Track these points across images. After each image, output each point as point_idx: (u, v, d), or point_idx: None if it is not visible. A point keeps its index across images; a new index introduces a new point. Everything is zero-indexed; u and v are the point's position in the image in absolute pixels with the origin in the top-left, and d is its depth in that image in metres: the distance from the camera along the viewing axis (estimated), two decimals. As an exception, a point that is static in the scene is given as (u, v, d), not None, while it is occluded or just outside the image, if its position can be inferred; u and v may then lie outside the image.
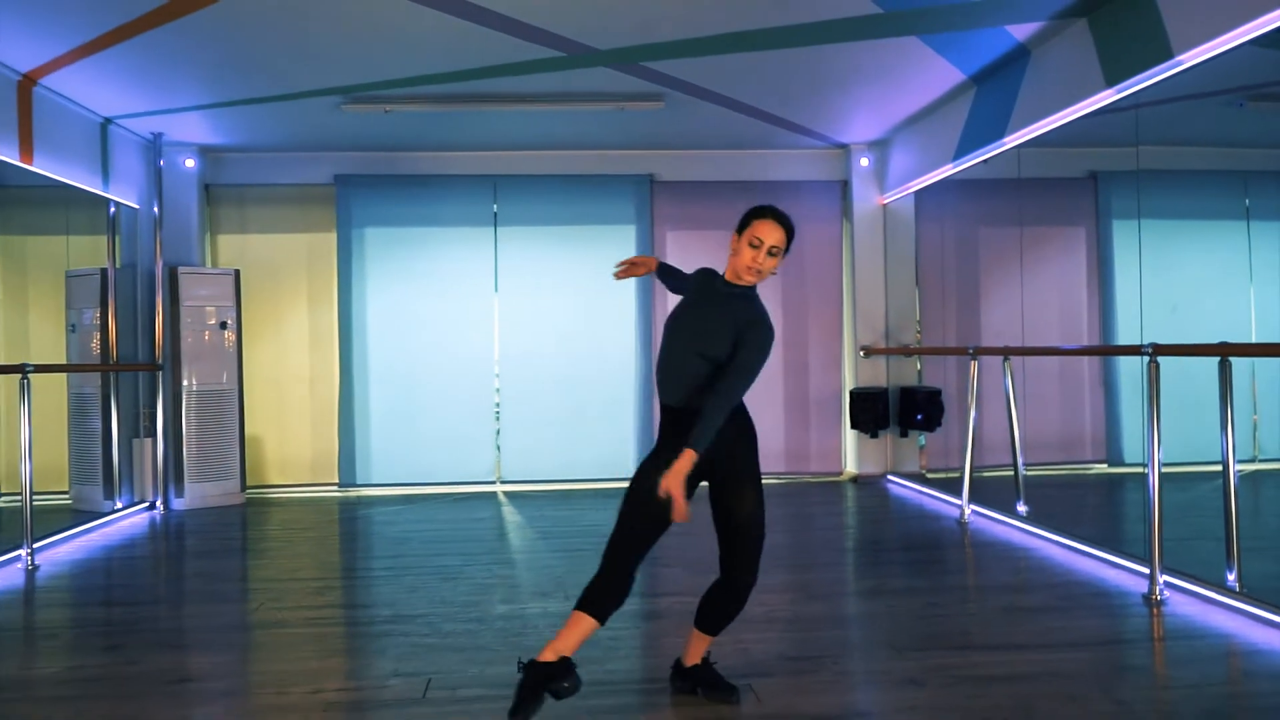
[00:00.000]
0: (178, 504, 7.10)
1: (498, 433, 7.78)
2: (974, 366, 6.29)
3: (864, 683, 3.24)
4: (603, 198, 7.89)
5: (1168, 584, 4.22)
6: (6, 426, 6.41)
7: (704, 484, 2.89)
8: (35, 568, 5.15)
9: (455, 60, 5.51)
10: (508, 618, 3.98)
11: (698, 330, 2.84)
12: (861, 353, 7.93)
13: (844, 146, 7.94)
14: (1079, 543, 5.11)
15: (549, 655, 2.64)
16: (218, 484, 7.22)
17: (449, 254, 7.68)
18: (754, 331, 2.80)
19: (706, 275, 3.05)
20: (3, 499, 6.48)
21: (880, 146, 7.88)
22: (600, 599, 2.70)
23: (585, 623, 2.68)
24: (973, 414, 6.31)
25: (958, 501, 6.31)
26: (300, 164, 7.64)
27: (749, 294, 2.90)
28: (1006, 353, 6.02)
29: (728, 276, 2.93)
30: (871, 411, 7.78)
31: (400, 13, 4.73)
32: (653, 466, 2.75)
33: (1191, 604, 4.04)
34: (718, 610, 2.95)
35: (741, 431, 2.89)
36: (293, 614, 4.15)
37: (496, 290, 7.78)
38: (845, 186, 8.07)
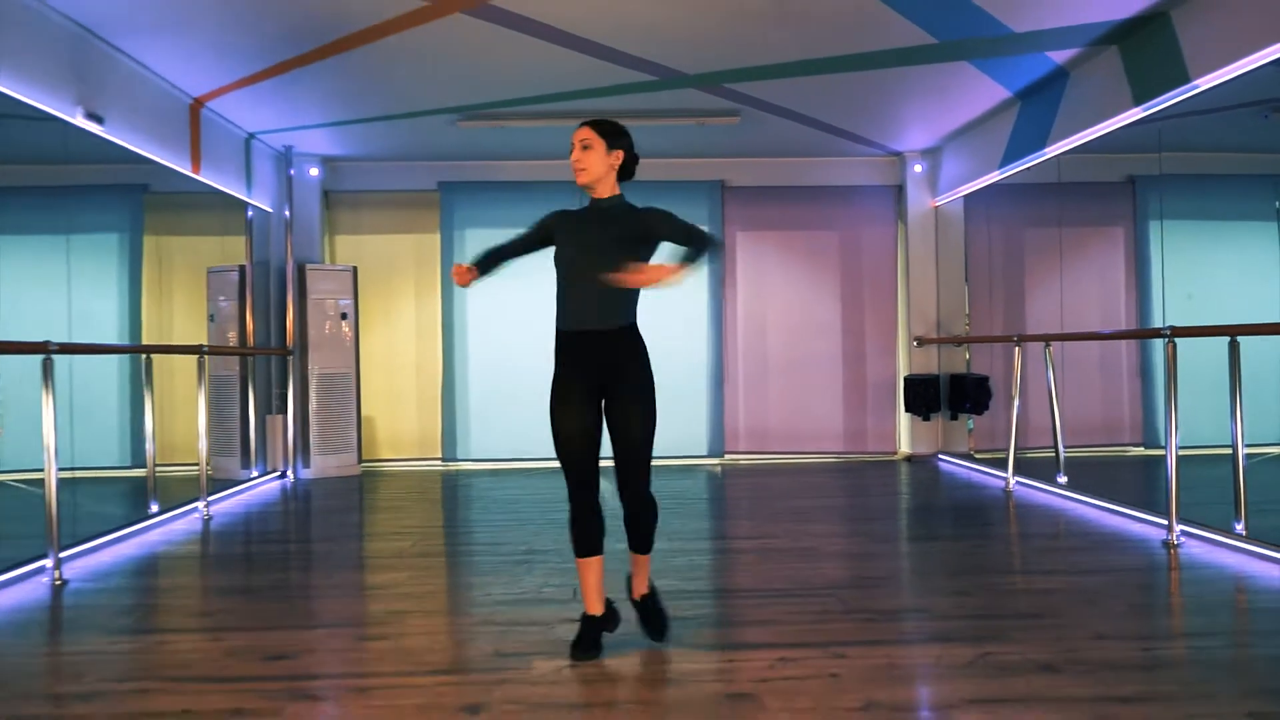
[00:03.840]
0: (304, 473, 8.04)
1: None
2: (1018, 352, 7.00)
3: (923, 592, 4.01)
4: (678, 202, 8.62)
5: (1184, 533, 4.93)
6: (175, 406, 7.37)
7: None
8: (210, 517, 6.09)
9: (561, 84, 6.35)
10: (621, 552, 4.81)
11: (601, 248, 3.08)
12: (915, 342, 8.66)
13: (898, 154, 8.68)
14: (1111, 504, 5.82)
15: (591, 610, 3.18)
16: (338, 456, 8.15)
17: (540, 253, 8.51)
18: (658, 213, 3.15)
19: (564, 213, 3.30)
20: (162, 469, 7.45)
21: (932, 154, 8.61)
22: (578, 539, 3.17)
23: (583, 564, 3.18)
24: (1017, 396, 7.02)
25: (1003, 474, 7.03)
26: (408, 172, 8.56)
27: (620, 201, 3.20)
28: (1047, 339, 6.72)
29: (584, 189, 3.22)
30: (924, 396, 8.51)
31: (519, 45, 5.56)
32: (563, 403, 3.12)
33: (1203, 547, 4.75)
34: (627, 528, 3.26)
35: (634, 353, 3.15)
36: (443, 548, 5.01)
37: (582, 285, 8.61)
38: (899, 191, 8.81)
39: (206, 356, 6.28)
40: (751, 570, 4.45)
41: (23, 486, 5.10)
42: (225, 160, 7.10)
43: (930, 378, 8.54)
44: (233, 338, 7.82)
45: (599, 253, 3.08)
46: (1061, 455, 6.65)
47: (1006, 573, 4.32)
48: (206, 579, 4.55)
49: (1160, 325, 5.28)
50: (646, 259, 3.13)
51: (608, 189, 3.20)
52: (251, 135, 7.57)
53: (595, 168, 3.14)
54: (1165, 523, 4.98)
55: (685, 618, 3.60)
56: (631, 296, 3.14)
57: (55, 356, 4.42)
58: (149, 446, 5.94)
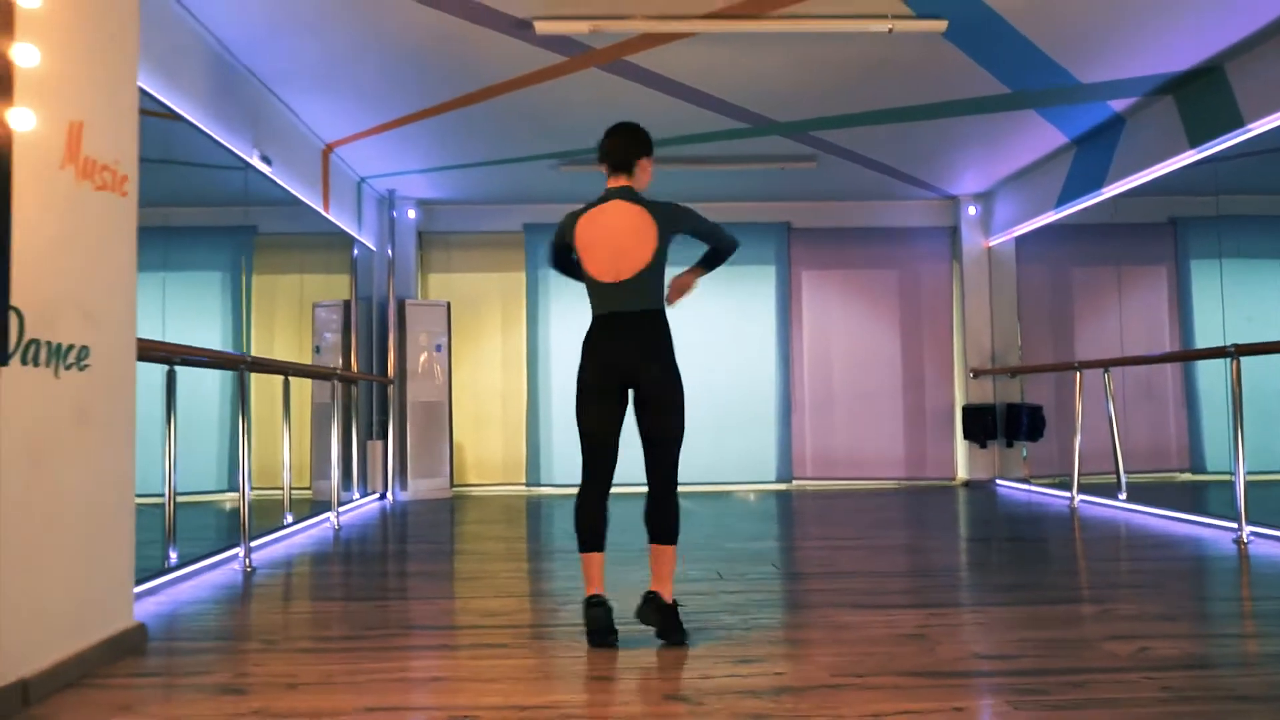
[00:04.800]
0: (401, 496, 8.55)
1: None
2: (1079, 377, 7.51)
3: (1038, 573, 4.50)
4: (747, 242, 9.26)
5: (1254, 534, 5.41)
6: (275, 433, 7.91)
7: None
8: (339, 528, 6.60)
9: (664, 129, 6.96)
10: (706, 556, 5.31)
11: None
12: (971, 374, 9.18)
13: (953, 198, 9.29)
14: (1177, 512, 6.29)
15: (597, 589, 3.27)
16: (432, 480, 8.67)
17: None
18: (678, 208, 3.37)
19: (573, 215, 3.46)
20: (258, 492, 7.96)
21: (985, 198, 9.21)
22: (581, 535, 3.35)
23: (586, 559, 3.32)
24: (1079, 418, 7.51)
25: (1065, 494, 7.50)
26: (496, 215, 9.20)
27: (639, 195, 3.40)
28: (1106, 364, 7.24)
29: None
30: (981, 424, 9.01)
31: (636, 95, 6.18)
32: (590, 399, 3.37)
33: (1274, 545, 5.22)
34: (648, 519, 3.37)
35: (661, 337, 3.33)
36: (562, 549, 5.52)
37: (657, 320, 9.19)
38: (954, 232, 9.41)
39: (336, 383, 6.80)
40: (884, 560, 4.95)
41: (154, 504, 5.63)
42: (345, 202, 7.73)
43: (987, 407, 9.05)
44: (337, 368, 8.38)
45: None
46: (1122, 473, 7.13)
47: (1107, 559, 4.81)
48: (368, 565, 5.06)
49: (1220, 364, 5.80)
50: (667, 250, 3.34)
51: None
52: (363, 179, 8.21)
53: (640, 181, 3.44)
54: (1235, 526, 5.45)
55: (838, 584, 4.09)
56: (660, 282, 3.35)
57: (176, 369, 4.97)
58: (285, 468, 6.45)
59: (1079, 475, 7.45)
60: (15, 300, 2.66)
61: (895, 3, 4.79)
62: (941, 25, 4.93)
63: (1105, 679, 2.70)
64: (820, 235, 9.41)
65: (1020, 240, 9.05)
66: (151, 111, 4.59)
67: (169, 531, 4.83)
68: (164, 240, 6.28)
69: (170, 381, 4.74)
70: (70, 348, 2.95)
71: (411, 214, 8.95)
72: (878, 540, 5.64)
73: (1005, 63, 5.65)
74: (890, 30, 4.91)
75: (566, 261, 3.63)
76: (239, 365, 4.94)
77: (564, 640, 3.27)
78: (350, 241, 8.29)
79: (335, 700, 2.63)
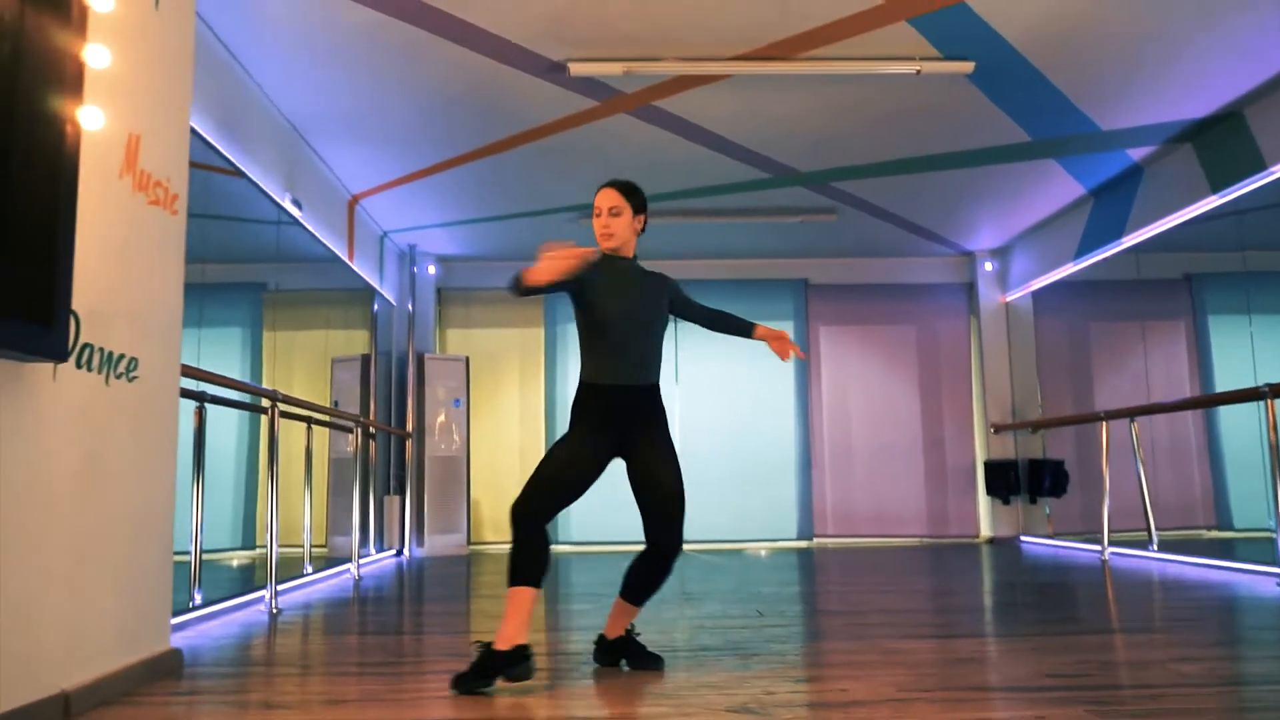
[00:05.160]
0: (417, 552, 8.43)
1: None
2: (1104, 427, 7.45)
3: (1109, 615, 4.40)
4: (766, 298, 9.35)
5: (1295, 576, 5.30)
6: (291, 490, 7.83)
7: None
8: (359, 579, 6.48)
9: (686, 180, 7.05)
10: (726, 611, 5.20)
11: (643, 307, 3.11)
12: (992, 429, 9.12)
13: (969, 254, 9.35)
14: (1215, 560, 6.18)
15: (503, 645, 2.75)
16: (449, 536, 8.55)
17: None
18: (672, 281, 3.26)
19: (595, 265, 3.09)
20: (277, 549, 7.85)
21: (1001, 254, 9.27)
22: (527, 566, 2.83)
23: (525, 595, 2.80)
24: (1106, 468, 7.43)
25: (1095, 548, 7.38)
26: (514, 272, 9.22)
27: (636, 263, 3.20)
28: (1133, 412, 7.19)
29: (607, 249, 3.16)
30: (1004, 480, 8.92)
31: (660, 142, 6.26)
32: (568, 442, 3.03)
33: (1317, 585, 5.12)
34: (645, 580, 3.08)
35: (655, 410, 3.14)
36: (581, 594, 5.40)
37: (677, 380, 9.18)
38: (971, 288, 9.45)
39: (357, 433, 6.75)
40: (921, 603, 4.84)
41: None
42: (368, 255, 7.78)
43: (1009, 462, 8.97)
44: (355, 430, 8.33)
45: (647, 314, 3.12)
46: (1153, 524, 7.03)
47: (1151, 598, 4.70)
48: (394, 606, 4.95)
49: (1241, 403, 5.76)
50: (666, 321, 3.24)
51: (629, 251, 3.20)
52: (385, 234, 8.28)
53: (623, 233, 3.12)
54: (1275, 570, 5.35)
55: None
56: (661, 350, 3.22)
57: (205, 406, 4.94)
58: (305, 516, 6.37)
59: (1098, 530, 7.34)
60: (73, 301, 2.65)
61: (923, 45, 4.88)
62: (968, 67, 5.01)
63: (1181, 693, 2.61)
64: (838, 291, 9.44)
65: (1037, 296, 9.08)
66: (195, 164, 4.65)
67: (194, 571, 4.75)
68: (188, 296, 6.30)
69: (200, 420, 4.70)
70: (121, 357, 2.93)
71: (431, 269, 9.00)
72: (913, 585, 5.53)
73: (1028, 108, 5.74)
74: (918, 71, 4.99)
75: None
76: (269, 403, 4.89)
77: (610, 667, 3.18)
78: (370, 296, 8.32)
79: (382, 713, 2.54)
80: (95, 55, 2.69)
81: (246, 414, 6.71)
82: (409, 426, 8.56)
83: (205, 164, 4.90)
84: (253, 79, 5.17)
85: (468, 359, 8.91)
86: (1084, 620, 4.04)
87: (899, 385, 9.41)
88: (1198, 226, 6.80)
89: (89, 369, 2.76)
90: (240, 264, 6.89)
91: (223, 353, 7.55)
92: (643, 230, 3.21)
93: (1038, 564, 6.99)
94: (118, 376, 2.92)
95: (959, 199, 7.64)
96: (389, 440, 8.55)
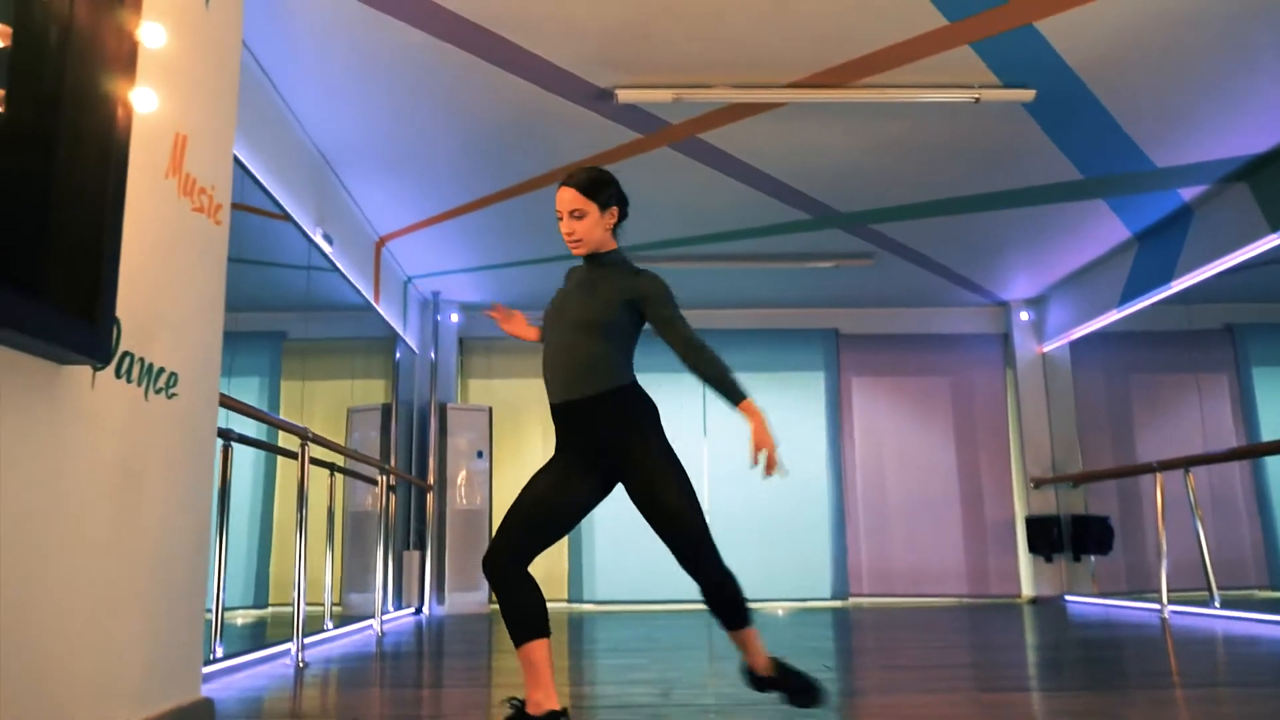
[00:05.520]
0: (437, 610, 8.06)
1: (707, 554, 8.68)
2: (1159, 479, 7.15)
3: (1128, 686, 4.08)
4: (796, 348, 9.12)
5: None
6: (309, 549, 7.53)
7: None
8: (382, 634, 6.14)
9: (721, 221, 6.86)
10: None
11: (576, 310, 2.73)
12: (1033, 484, 8.81)
13: (1004, 304, 9.15)
14: (1287, 616, 5.85)
15: (534, 711, 2.43)
16: (470, 594, 8.19)
17: (663, 397, 8.86)
18: (646, 283, 2.74)
19: (568, 273, 2.95)
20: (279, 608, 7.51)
21: (1037, 303, 9.06)
22: (520, 619, 2.48)
23: (535, 651, 2.45)
24: (1163, 524, 7.11)
25: (1149, 606, 7.03)
26: (538, 321, 9.01)
27: (616, 260, 2.80)
28: (1187, 463, 6.90)
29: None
30: (1046, 537, 8.59)
31: (699, 179, 6.08)
32: (543, 470, 2.69)
33: None
34: (710, 606, 2.70)
35: (630, 418, 2.68)
36: (607, 649, 5.07)
37: (705, 433, 8.91)
38: (1006, 339, 9.22)
39: (381, 480, 6.48)
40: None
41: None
42: (393, 300, 7.58)
43: (1050, 518, 8.64)
44: (375, 475, 8.04)
45: (580, 315, 2.73)
46: (1212, 579, 6.70)
47: (1236, 654, 4.37)
48: (428, 661, 4.62)
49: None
50: (627, 324, 2.75)
51: (608, 247, 2.81)
52: (409, 279, 8.09)
53: (591, 235, 2.74)
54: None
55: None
56: (612, 354, 2.71)
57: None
58: (328, 577, 6.07)
59: (1147, 590, 7.00)
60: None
61: (983, 71, 4.72)
62: (1029, 95, 4.85)
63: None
64: (870, 342, 9.22)
65: (1075, 347, 8.85)
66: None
67: (216, 622, 4.44)
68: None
69: (226, 461, 4.43)
70: (161, 371, 2.69)
71: (454, 317, 8.80)
72: (975, 640, 5.19)
73: (1083, 143, 5.56)
74: (977, 100, 4.83)
75: None
76: (299, 444, 4.63)
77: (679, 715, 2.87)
78: (391, 345, 8.10)
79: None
80: (151, 34, 2.49)
81: (261, 460, 6.45)
82: (430, 479, 8.26)
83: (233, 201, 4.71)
84: (285, 101, 5.00)
85: (490, 410, 8.65)
86: (1183, 674, 3.72)
87: (934, 438, 9.13)
88: (1237, 276, 6.61)
89: (128, 380, 2.51)
90: (262, 312, 6.71)
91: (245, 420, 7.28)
92: (620, 221, 2.80)
93: (1095, 623, 6.64)
94: (157, 391, 2.67)
95: (998, 243, 7.46)
96: (409, 494, 8.25)
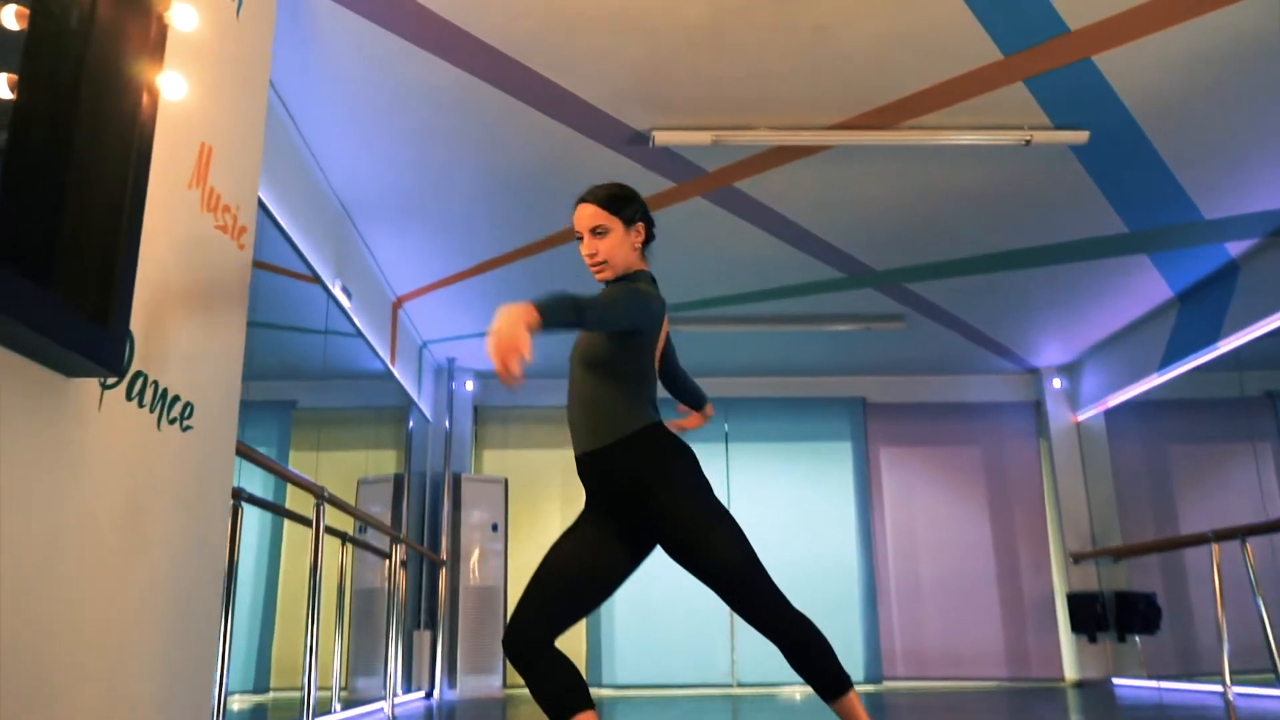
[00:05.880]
0: (449, 694, 7.59)
1: (732, 634, 8.25)
2: (1216, 550, 6.76)
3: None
4: (821, 417, 8.82)
5: None
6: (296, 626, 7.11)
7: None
8: (395, 718, 5.71)
9: (749, 280, 6.63)
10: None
11: (584, 344, 2.45)
12: (1072, 559, 8.41)
13: (1035, 370, 8.87)
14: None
15: None
16: (484, 678, 7.73)
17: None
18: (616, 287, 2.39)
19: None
20: (280, 692, 7.06)
21: (1070, 370, 8.79)
22: (566, 693, 2.16)
23: None
24: (1220, 597, 6.70)
25: (1210, 688, 6.58)
26: (556, 389, 8.72)
27: (646, 282, 2.49)
28: (1244, 532, 6.53)
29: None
30: (1089, 615, 8.15)
31: (729, 233, 5.85)
32: (570, 531, 2.40)
33: None
34: (796, 669, 2.36)
35: (653, 467, 2.31)
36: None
37: (728, 501, 8.53)
38: (1039, 407, 8.92)
39: (393, 550, 6.12)
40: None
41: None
42: (408, 365, 7.31)
43: (1092, 595, 8.22)
44: (384, 548, 7.67)
45: (582, 352, 2.45)
46: (1278, 657, 6.27)
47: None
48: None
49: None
50: (629, 352, 2.39)
51: (635, 269, 2.51)
52: (425, 344, 7.83)
53: (616, 255, 2.44)
54: None
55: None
56: (625, 392, 2.36)
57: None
58: (336, 657, 5.69)
59: (1194, 674, 6.58)
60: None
61: (1034, 110, 4.54)
62: (1082, 137, 4.66)
63: None
64: (898, 411, 8.92)
65: (1110, 416, 8.54)
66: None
67: (219, 702, 4.05)
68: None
69: (235, 523, 4.10)
70: (176, 399, 2.40)
71: (469, 385, 8.52)
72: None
73: (1133, 191, 5.36)
74: (1028, 142, 4.63)
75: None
76: (315, 498, 4.30)
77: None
78: (405, 413, 7.80)
79: None
80: (181, 16, 2.26)
81: (265, 526, 6.11)
82: (443, 553, 7.87)
83: (277, 266, 4.50)
84: (306, 142, 4.79)
85: (506, 481, 8.31)
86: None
87: (967, 510, 8.75)
88: (1275, 341, 6.36)
89: (140, 404, 2.23)
90: (272, 381, 6.46)
91: (244, 479, 6.99)
92: (647, 242, 2.51)
93: (1149, 707, 6.20)
94: (171, 421, 2.38)
95: (1032, 304, 7.22)
96: (420, 569, 7.85)
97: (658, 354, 2.52)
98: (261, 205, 4.28)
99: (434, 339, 7.77)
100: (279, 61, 4.10)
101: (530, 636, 2.19)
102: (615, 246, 2.44)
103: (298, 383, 6.56)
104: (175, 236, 2.41)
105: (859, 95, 4.42)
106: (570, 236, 5.82)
